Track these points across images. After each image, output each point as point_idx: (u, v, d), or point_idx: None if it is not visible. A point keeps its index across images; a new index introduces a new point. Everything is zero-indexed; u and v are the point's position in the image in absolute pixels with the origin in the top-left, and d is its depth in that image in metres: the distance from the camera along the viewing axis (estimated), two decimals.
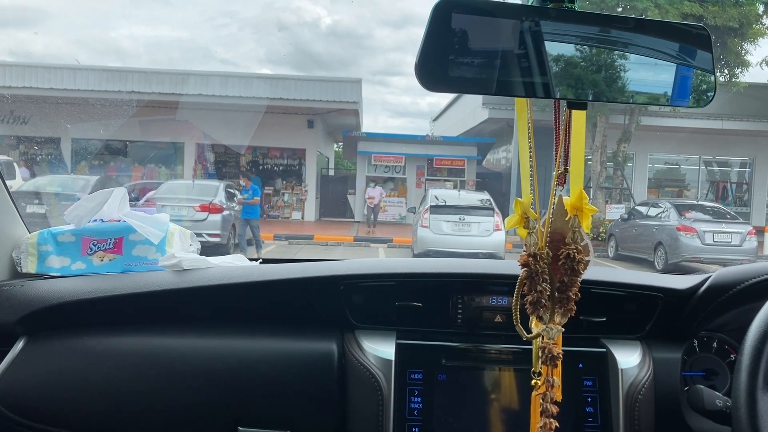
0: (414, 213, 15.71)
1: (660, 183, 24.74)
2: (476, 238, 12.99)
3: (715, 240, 13.52)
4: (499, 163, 25.78)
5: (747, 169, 24.47)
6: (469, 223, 13.19)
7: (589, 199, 1.13)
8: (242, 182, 14.74)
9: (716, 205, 17.55)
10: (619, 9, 17.32)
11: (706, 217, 14.30)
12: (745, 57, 18.30)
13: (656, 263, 14.10)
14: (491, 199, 14.43)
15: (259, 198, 14.18)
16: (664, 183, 24.80)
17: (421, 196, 17.65)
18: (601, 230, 18.01)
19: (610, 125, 19.87)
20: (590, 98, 1.03)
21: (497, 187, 21.43)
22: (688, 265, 13.38)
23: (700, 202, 17.14)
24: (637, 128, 20.14)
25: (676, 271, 12.87)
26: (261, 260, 1.93)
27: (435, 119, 39.64)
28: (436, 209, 13.57)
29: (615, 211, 18.27)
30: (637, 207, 17.11)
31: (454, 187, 21.25)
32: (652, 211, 15.48)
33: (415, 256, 13.61)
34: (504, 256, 12.59)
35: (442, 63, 0.95)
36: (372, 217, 19.95)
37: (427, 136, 25.16)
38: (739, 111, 20.66)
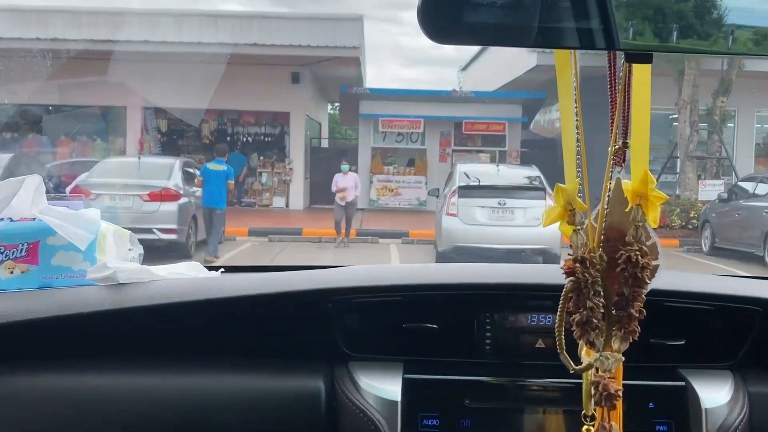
0: (437, 196, 15.69)
1: None
2: (522, 230, 12.97)
3: None
4: (552, 126, 25.67)
5: None
6: (512, 209, 13.17)
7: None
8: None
9: None
10: None
11: None
12: None
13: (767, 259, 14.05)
14: (542, 177, 14.40)
15: (232, 181, 14.34)
16: None
17: (446, 174, 17.62)
18: (692, 215, 17.94)
19: (703, 72, 19.72)
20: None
21: (550, 159, 21.36)
22: None
23: None
24: (739, 75, 19.98)
25: None
26: (223, 269, 1.94)
27: (464, 68, 39.45)
28: (467, 191, 13.55)
29: (710, 190, 18.17)
30: (740, 183, 17.02)
31: (492, 161, 21.22)
32: (762, 189, 15.38)
33: (438, 253, 13.65)
34: (561, 254, 12.57)
35: (454, 3, 0.95)
36: (344, 221, 16.31)
37: (454, 92, 25.17)
38: None
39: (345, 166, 17.07)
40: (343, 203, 16.21)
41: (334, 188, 16.52)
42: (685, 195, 19.30)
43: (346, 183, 16.53)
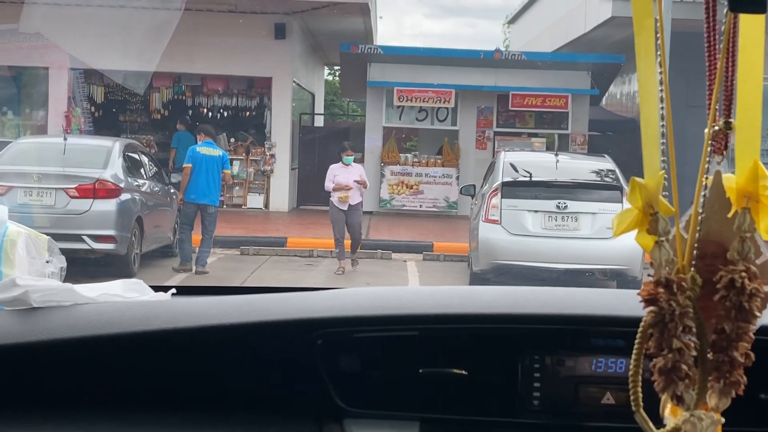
0: (473, 196, 15.72)
1: None
2: (589, 243, 12.99)
3: None
4: (633, 102, 25.62)
5: None
6: (576, 214, 13.18)
7: None
8: (199, 138, 15.33)
9: None
10: None
11: None
12: None
13: None
14: (617, 171, 14.40)
15: (229, 170, 14.75)
16: None
17: (486, 166, 17.65)
18: None
19: None
20: None
21: (629, 147, 21.36)
22: None
23: None
24: None
25: None
26: (174, 290, 1.95)
27: (512, 21, 39.55)
28: (515, 189, 13.59)
29: None
30: None
31: (548, 149, 21.24)
32: None
33: (473, 274, 13.67)
34: (642, 277, 12.56)
35: None
36: (344, 230, 15.27)
37: (498, 53, 25.12)
38: None
39: (349, 158, 15.52)
40: (344, 207, 15.08)
41: (329, 185, 15.28)
42: None
43: (348, 178, 15.24)
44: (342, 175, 15.18)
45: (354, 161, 15.61)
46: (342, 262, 14.76)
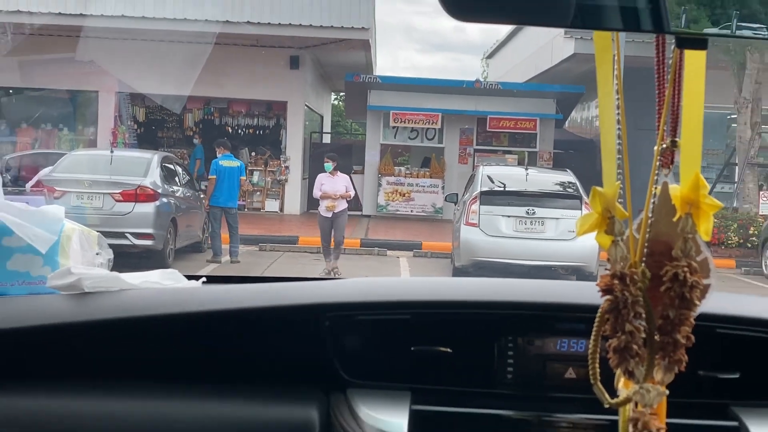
0: (455, 203, 15.72)
1: None
2: (553, 244, 13.01)
3: None
4: (591, 125, 25.65)
5: None
6: (542, 219, 13.19)
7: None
8: (219, 152, 15.35)
9: None
10: None
11: None
12: None
13: None
14: (578, 183, 14.40)
15: (245, 177, 14.80)
16: None
17: (467, 177, 17.65)
18: (751, 232, 17.90)
19: (767, 66, 19.72)
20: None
21: (587, 163, 21.38)
22: None
23: None
24: None
25: None
26: (205, 279, 1.95)
27: (490, 56, 39.53)
28: (491, 198, 13.58)
29: None
30: None
31: (520, 163, 21.21)
32: None
33: (456, 269, 13.68)
34: (597, 272, 12.57)
35: None
36: (330, 235, 14.42)
37: (478, 83, 25.14)
38: None
39: (328, 165, 14.50)
40: (329, 215, 14.23)
41: (317, 193, 14.41)
42: (744, 208, 19.27)
43: (335, 187, 14.33)
44: (328, 184, 14.32)
45: (337, 169, 14.51)
46: (328, 264, 14.20)
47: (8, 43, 14.87)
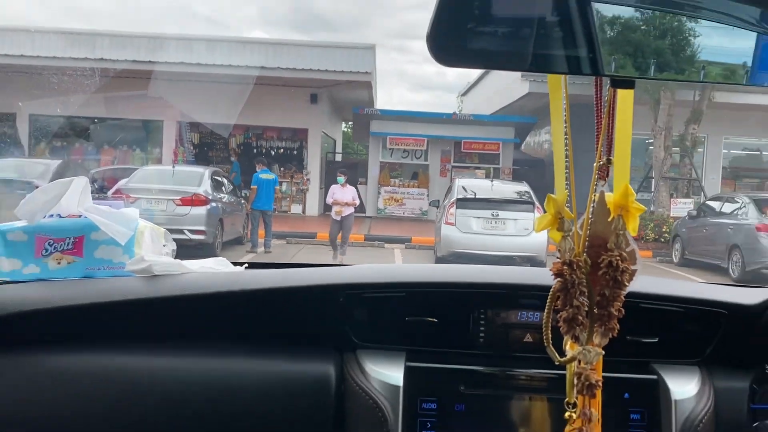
0: (437, 207, 15.72)
1: (737, 173, 24.51)
2: (512, 239, 13.01)
3: None
4: (541, 147, 25.64)
5: None
6: (504, 220, 13.20)
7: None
8: (258, 167, 15.44)
9: None
10: None
11: None
12: None
13: (731, 270, 13.99)
14: (531, 192, 14.41)
15: (278, 186, 14.80)
16: (742, 173, 24.57)
17: (446, 187, 17.65)
18: (664, 230, 17.90)
19: (677, 102, 19.71)
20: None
21: (539, 177, 21.38)
22: None
23: None
24: (709, 106, 19.96)
25: (755, 281, 12.76)
26: (247, 265, 1.94)
27: (464, 93, 39.51)
28: (464, 203, 13.58)
29: (681, 207, 18.14)
30: (708, 202, 16.97)
31: (487, 177, 21.21)
32: (727, 208, 15.35)
33: (438, 258, 13.66)
34: (546, 261, 12.57)
35: (459, 32, 0.94)
36: (339, 235, 14.10)
37: (455, 115, 25.18)
38: None
39: (340, 178, 14.31)
40: (338, 218, 13.93)
41: (329, 200, 14.14)
42: (659, 211, 19.27)
43: (344, 196, 14.06)
44: (338, 193, 14.09)
45: (348, 182, 14.39)
46: (334, 258, 13.92)
47: (96, 83, 14.90)
